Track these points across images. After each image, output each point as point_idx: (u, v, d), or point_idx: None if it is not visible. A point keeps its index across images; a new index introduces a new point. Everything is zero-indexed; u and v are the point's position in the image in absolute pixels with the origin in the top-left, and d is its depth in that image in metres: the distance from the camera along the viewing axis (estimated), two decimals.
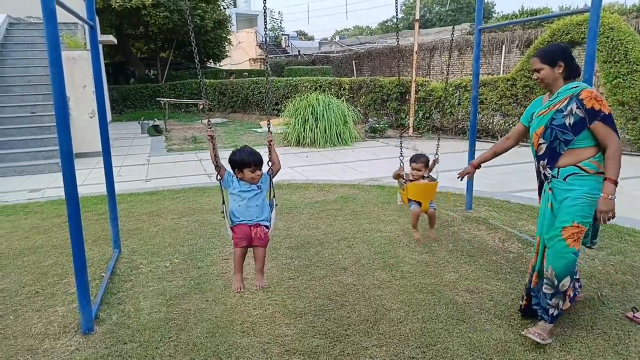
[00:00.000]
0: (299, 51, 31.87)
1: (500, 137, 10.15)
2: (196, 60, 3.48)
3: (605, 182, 2.53)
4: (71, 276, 3.48)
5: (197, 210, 5.44)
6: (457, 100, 10.94)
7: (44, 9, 2.46)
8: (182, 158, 9.38)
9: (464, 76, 17.56)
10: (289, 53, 33.47)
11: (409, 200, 4.07)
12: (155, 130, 12.73)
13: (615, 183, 2.52)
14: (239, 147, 3.28)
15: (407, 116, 11.73)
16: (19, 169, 8.06)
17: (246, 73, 23.34)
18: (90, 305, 2.84)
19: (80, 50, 9.67)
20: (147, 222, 5.03)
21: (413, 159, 4.07)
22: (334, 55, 27.81)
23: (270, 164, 3.32)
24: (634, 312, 2.90)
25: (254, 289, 3.33)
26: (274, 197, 3.35)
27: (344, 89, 13.12)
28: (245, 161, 3.14)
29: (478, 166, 3.37)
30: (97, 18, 3.94)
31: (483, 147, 7.87)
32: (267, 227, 3.27)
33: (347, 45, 31.49)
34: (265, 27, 3.49)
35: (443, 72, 20.21)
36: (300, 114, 10.55)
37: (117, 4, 16.66)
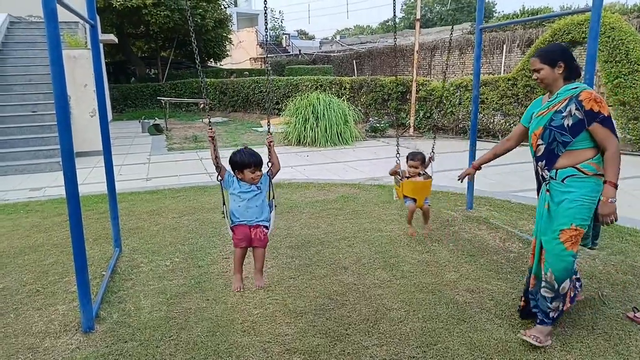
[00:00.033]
0: (299, 50, 31.85)
1: (501, 136, 10.16)
2: (197, 60, 3.49)
3: (605, 185, 2.51)
4: (72, 275, 3.49)
5: (197, 209, 5.44)
6: (457, 100, 10.93)
7: (45, 8, 2.46)
8: (183, 157, 9.38)
9: (464, 76, 17.57)
10: (289, 52, 33.46)
11: (405, 196, 4.13)
12: (156, 129, 12.73)
13: (615, 186, 2.50)
14: (239, 148, 3.29)
15: (408, 116, 11.73)
16: (19, 167, 8.06)
17: (247, 72, 23.34)
18: (90, 304, 2.85)
19: (81, 49, 9.67)
20: (148, 221, 5.03)
21: (410, 157, 4.13)
22: (335, 54, 27.81)
23: (269, 164, 3.34)
24: (634, 312, 2.90)
25: (254, 288, 3.33)
26: (273, 198, 3.37)
27: (344, 89, 13.11)
28: (245, 162, 3.16)
29: (479, 167, 3.36)
30: (97, 17, 3.95)
31: (484, 147, 7.87)
32: (266, 227, 3.29)
33: (348, 45, 31.48)
34: (266, 27, 3.49)
35: (444, 72, 20.21)
36: (301, 113, 10.55)
37: (118, 3, 16.67)
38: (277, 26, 45.80)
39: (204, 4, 19.41)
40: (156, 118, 14.02)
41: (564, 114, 2.56)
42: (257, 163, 3.17)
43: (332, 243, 4.24)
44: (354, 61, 24.26)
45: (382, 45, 24.74)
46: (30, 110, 9.33)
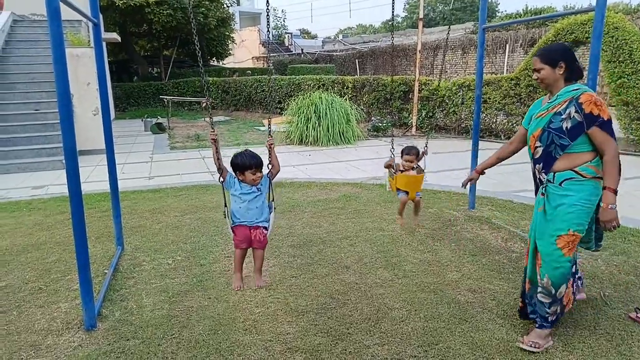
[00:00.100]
0: (302, 50, 31.84)
1: (504, 136, 10.15)
2: (199, 58, 3.50)
3: (605, 191, 2.45)
4: (74, 273, 3.49)
5: (199, 207, 5.45)
6: (460, 100, 10.92)
7: (48, 6, 2.46)
8: (185, 156, 9.40)
9: (467, 75, 17.54)
10: (292, 51, 33.45)
11: (398, 189, 4.24)
12: (159, 128, 12.74)
13: (615, 192, 2.44)
14: (240, 151, 3.34)
15: (410, 115, 11.72)
16: (22, 165, 8.08)
17: (249, 71, 23.35)
18: (93, 302, 2.86)
19: (84, 47, 9.68)
20: (150, 219, 5.04)
21: (406, 151, 4.24)
22: (337, 53, 27.81)
23: (270, 166, 3.39)
24: (637, 313, 2.89)
25: (254, 287, 3.34)
26: (273, 200, 3.43)
27: (347, 88, 13.10)
28: (246, 164, 3.22)
29: (482, 172, 3.32)
30: (100, 15, 3.95)
31: (486, 147, 7.86)
32: (265, 228, 3.37)
33: (351, 44, 31.48)
34: (268, 26, 3.49)
35: (446, 71, 20.19)
36: (303, 112, 10.55)
37: (121, 2, 16.69)
38: (280, 25, 45.80)
39: (207, 2, 19.44)
40: (159, 117, 14.04)
41: (563, 116, 2.50)
42: (257, 165, 3.24)
43: (333, 242, 4.25)
44: (357, 60, 24.25)
45: (385, 45, 24.74)
46: (33, 109, 9.35)
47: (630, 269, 3.58)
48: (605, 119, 2.44)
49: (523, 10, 22.30)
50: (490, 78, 10.60)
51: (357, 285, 3.39)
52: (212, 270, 3.66)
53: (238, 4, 36.70)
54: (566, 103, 2.52)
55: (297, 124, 10.50)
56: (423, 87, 11.49)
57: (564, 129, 2.50)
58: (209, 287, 3.38)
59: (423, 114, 11.60)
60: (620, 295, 3.19)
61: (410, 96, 11.81)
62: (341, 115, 10.54)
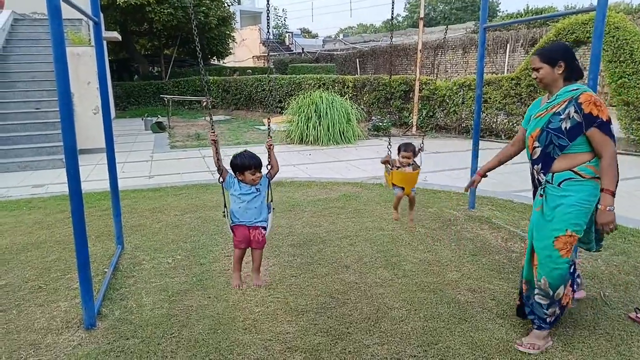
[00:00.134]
0: (302, 49, 31.81)
1: (504, 136, 10.14)
2: (199, 58, 3.50)
3: (602, 193, 2.43)
4: (74, 272, 3.49)
5: (199, 207, 5.45)
6: (460, 99, 10.91)
7: (49, 5, 2.46)
8: (185, 155, 9.40)
9: (468, 75, 17.53)
10: (292, 51, 33.43)
11: (393, 184, 4.26)
12: (159, 127, 12.75)
13: (613, 194, 2.41)
14: (240, 152, 3.36)
15: (411, 114, 11.71)
16: (22, 164, 8.09)
17: (250, 70, 23.35)
18: (92, 301, 2.86)
19: (85, 46, 9.68)
20: (150, 218, 5.04)
21: (403, 148, 4.26)
22: (338, 53, 27.78)
23: (269, 167, 3.41)
24: (636, 313, 2.89)
25: (253, 286, 3.35)
26: (271, 201, 3.44)
27: (347, 87, 13.10)
28: (245, 164, 3.24)
29: (484, 175, 3.30)
30: (101, 14, 3.95)
31: (487, 147, 7.86)
32: (264, 228, 3.39)
33: (351, 43, 31.44)
34: (268, 25, 3.50)
35: (447, 71, 20.18)
36: (303, 111, 10.54)
37: (122, 1, 16.69)
38: (281, 24, 45.73)
39: (208, 1, 19.43)
40: (159, 116, 14.05)
41: (562, 117, 2.48)
42: (257, 165, 3.26)
43: (333, 242, 4.25)
44: (357, 60, 24.23)
45: (385, 44, 24.71)
46: (34, 107, 9.35)
47: (630, 269, 3.58)
48: (605, 120, 2.41)
49: (524, 9, 22.29)
50: (491, 78, 10.59)
51: (356, 284, 3.39)
52: (212, 270, 3.66)
53: (239, 3, 36.65)
54: (565, 103, 2.50)
55: (298, 123, 10.50)
56: (424, 86, 11.49)
57: (563, 129, 2.48)
58: (209, 286, 3.38)
59: (423, 114, 11.60)
60: (620, 295, 3.19)
61: (410, 96, 11.80)
62: (342, 115, 10.54)
